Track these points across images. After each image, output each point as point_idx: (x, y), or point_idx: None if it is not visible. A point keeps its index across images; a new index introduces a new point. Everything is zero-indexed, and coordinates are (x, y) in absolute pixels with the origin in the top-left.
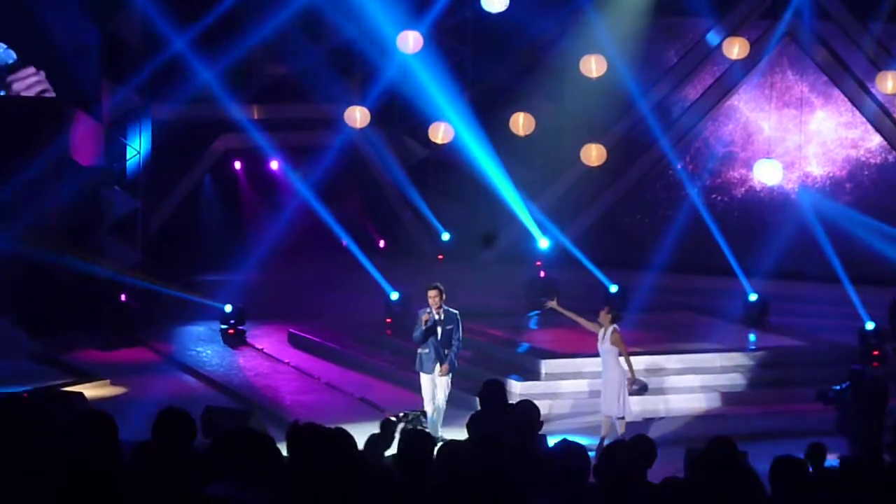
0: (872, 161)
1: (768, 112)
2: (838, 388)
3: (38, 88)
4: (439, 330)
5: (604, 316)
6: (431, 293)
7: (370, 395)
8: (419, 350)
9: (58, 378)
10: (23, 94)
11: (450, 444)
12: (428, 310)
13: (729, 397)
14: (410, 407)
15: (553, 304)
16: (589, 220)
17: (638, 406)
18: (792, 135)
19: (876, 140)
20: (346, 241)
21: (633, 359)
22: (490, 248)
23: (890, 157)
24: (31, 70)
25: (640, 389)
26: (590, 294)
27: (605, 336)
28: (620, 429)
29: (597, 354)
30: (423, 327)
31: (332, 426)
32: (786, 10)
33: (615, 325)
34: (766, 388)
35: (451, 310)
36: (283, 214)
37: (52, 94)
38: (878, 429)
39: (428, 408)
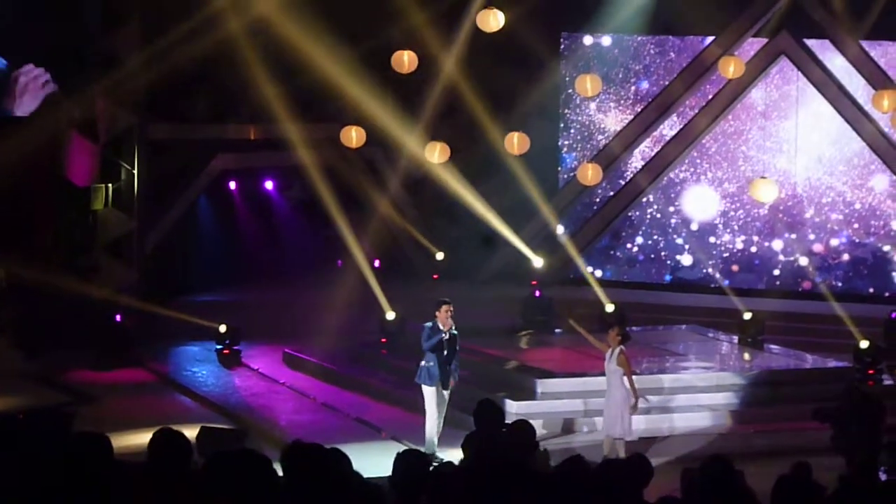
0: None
1: (763, 128)
2: (835, 406)
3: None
4: (446, 344)
5: (612, 336)
6: (446, 308)
7: (366, 415)
8: (424, 363)
9: (53, 398)
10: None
11: (445, 465)
12: (445, 317)
13: (726, 416)
14: (403, 427)
15: (570, 321)
16: (586, 240)
17: (639, 425)
18: (785, 152)
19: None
20: (342, 260)
21: (634, 377)
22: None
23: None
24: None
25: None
26: (588, 313)
27: (612, 356)
28: (621, 451)
29: (593, 374)
30: (439, 337)
31: (328, 446)
32: (781, 28)
33: (622, 347)
34: (763, 407)
35: (454, 327)
36: (277, 234)
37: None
38: (874, 447)
39: (430, 421)
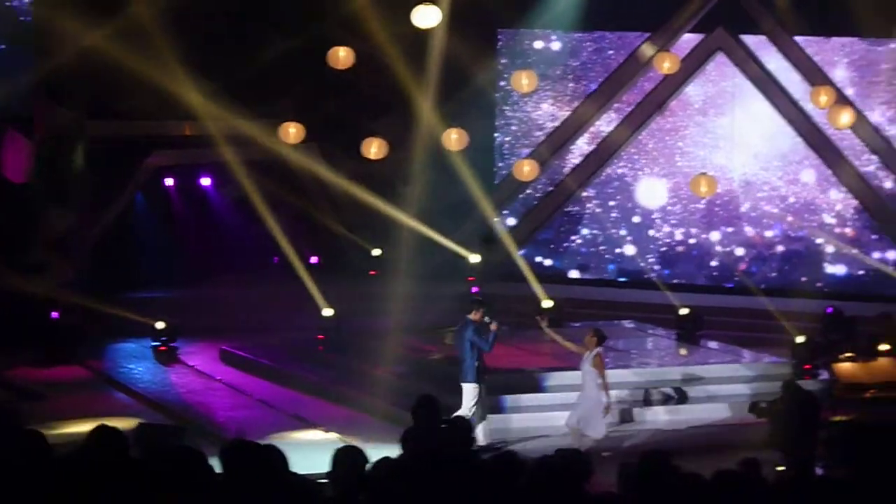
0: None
1: (700, 125)
2: (771, 401)
3: None
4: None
5: (589, 339)
6: (482, 309)
7: (302, 412)
8: (471, 362)
9: None
10: None
11: (383, 461)
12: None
13: (663, 411)
14: (341, 423)
15: (543, 324)
16: (523, 236)
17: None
18: (723, 147)
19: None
20: (278, 257)
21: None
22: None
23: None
24: None
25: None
26: (524, 309)
27: (588, 358)
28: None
29: (536, 369)
30: (495, 333)
31: (264, 443)
32: (717, 24)
33: (599, 349)
34: (700, 403)
35: None
36: (215, 230)
37: None
38: (811, 442)
39: (478, 415)
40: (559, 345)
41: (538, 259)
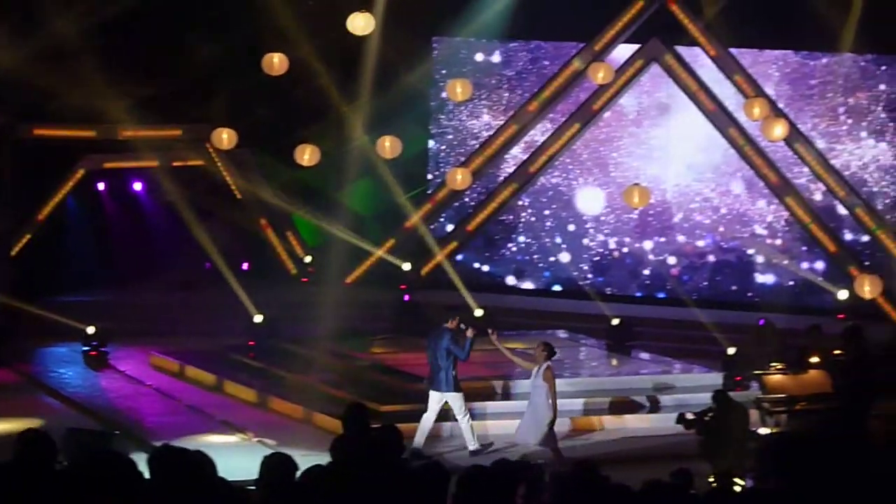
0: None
1: (634, 135)
2: (701, 412)
3: None
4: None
5: (539, 352)
6: (459, 319)
7: (232, 418)
8: (450, 371)
9: None
10: None
11: (313, 469)
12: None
13: (594, 421)
14: (271, 430)
15: (493, 337)
16: (456, 244)
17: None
18: (656, 158)
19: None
20: (210, 262)
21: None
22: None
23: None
24: None
25: None
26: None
27: (539, 372)
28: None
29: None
30: (470, 340)
31: (193, 449)
32: (652, 35)
33: (549, 363)
34: (632, 413)
35: None
36: (146, 235)
37: None
38: (741, 453)
39: (465, 425)
40: (505, 357)
41: (476, 265)
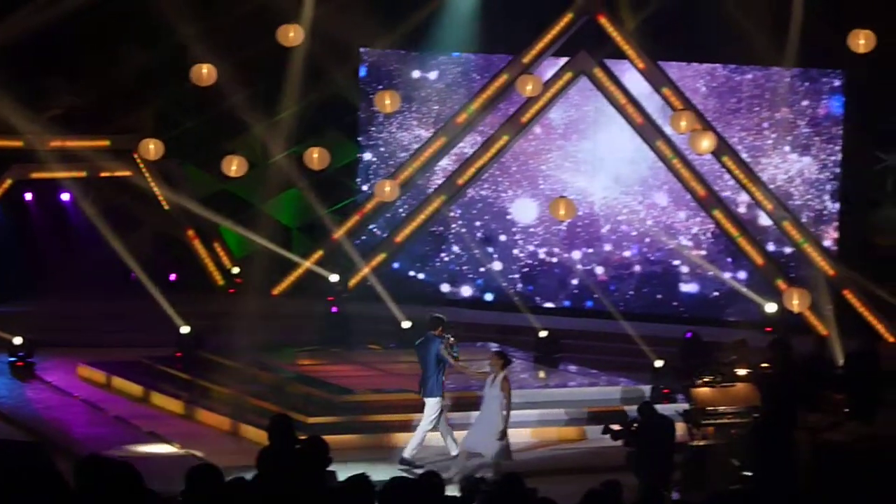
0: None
1: (562, 148)
2: (627, 423)
3: None
4: None
5: (494, 362)
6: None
7: (159, 429)
8: (437, 377)
9: None
10: None
11: (238, 480)
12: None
13: (522, 434)
14: (197, 441)
15: (443, 347)
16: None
17: (438, 442)
18: (584, 170)
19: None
20: (134, 273)
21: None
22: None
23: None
24: None
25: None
26: (380, 329)
27: (495, 382)
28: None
29: (389, 390)
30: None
31: (120, 460)
32: (580, 48)
33: (505, 373)
34: (558, 426)
35: None
36: (74, 245)
37: None
38: (667, 466)
39: (421, 433)
40: (459, 370)
41: (411, 273)
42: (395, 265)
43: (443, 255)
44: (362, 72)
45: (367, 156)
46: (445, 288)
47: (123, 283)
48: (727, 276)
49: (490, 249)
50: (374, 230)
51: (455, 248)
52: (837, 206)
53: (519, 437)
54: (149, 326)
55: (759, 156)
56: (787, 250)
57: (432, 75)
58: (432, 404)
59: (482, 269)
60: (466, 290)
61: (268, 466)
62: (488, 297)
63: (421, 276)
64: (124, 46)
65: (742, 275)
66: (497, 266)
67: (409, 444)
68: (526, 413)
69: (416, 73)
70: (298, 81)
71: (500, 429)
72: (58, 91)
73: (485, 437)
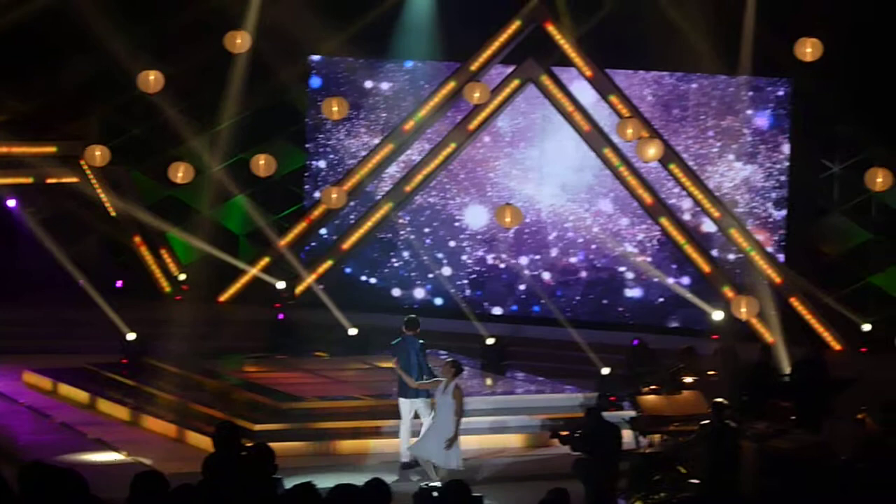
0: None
1: (510, 156)
2: (574, 432)
3: None
4: None
5: (447, 369)
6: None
7: (105, 436)
8: (426, 377)
9: None
10: None
11: (184, 487)
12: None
13: (469, 441)
14: (142, 448)
15: (393, 363)
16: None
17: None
18: (531, 178)
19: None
20: (82, 279)
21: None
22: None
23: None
24: None
25: None
26: (325, 337)
27: (448, 389)
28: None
29: (337, 398)
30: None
31: (65, 466)
32: (528, 56)
33: (457, 381)
34: (505, 433)
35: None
36: (20, 252)
37: None
38: (613, 473)
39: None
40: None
41: (363, 278)
42: (347, 270)
43: (393, 260)
44: (314, 82)
45: (316, 163)
46: (397, 292)
47: (70, 289)
48: (671, 281)
49: (440, 255)
50: (324, 236)
51: (405, 254)
52: (783, 213)
53: (467, 444)
54: (95, 333)
55: (706, 164)
56: (731, 257)
57: (381, 83)
58: (405, 404)
59: (430, 276)
60: (419, 293)
61: (213, 473)
62: (438, 301)
63: (373, 280)
64: (69, 53)
65: (685, 280)
66: (446, 272)
67: (400, 448)
68: (474, 420)
69: (364, 80)
70: (245, 88)
71: (450, 435)
72: (2, 98)
73: (436, 445)
